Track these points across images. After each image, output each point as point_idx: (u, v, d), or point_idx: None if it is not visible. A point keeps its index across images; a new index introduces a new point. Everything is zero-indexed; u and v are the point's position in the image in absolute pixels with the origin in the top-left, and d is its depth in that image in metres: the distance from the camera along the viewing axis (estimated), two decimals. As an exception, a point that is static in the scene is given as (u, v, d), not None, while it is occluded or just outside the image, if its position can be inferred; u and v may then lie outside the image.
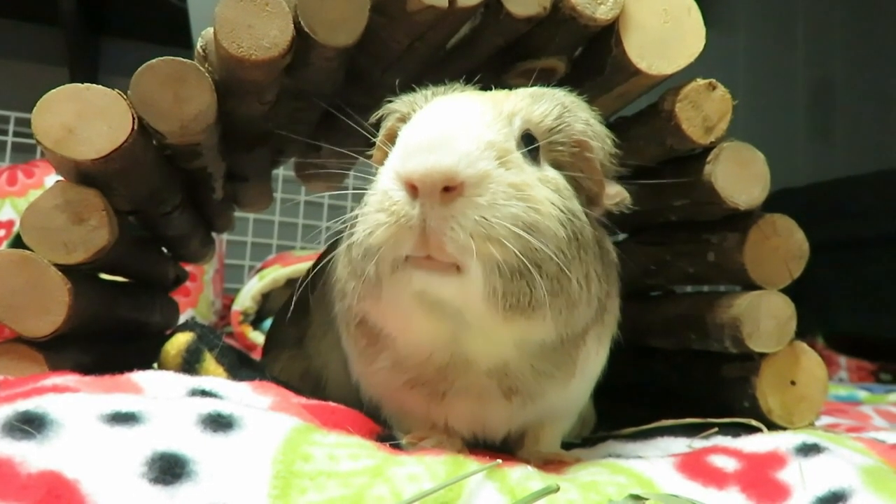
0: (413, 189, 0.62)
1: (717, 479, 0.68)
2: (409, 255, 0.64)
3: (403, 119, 0.75)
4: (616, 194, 0.77)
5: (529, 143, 0.71)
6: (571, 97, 0.77)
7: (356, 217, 0.69)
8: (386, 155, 0.71)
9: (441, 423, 0.76)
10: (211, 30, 0.82)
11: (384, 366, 0.75)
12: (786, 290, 0.96)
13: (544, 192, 0.67)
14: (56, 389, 0.62)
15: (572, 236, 0.68)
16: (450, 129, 0.64)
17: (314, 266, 0.91)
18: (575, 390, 0.80)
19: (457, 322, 0.67)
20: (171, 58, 0.81)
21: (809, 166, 3.77)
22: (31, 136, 0.80)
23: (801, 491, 0.65)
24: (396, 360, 0.74)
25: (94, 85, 0.79)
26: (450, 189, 0.61)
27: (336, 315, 0.85)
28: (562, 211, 0.67)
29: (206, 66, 0.84)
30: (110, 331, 1.04)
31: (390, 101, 0.79)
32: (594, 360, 0.81)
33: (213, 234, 1.54)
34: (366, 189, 0.70)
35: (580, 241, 0.69)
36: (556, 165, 0.73)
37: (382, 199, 0.64)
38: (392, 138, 0.73)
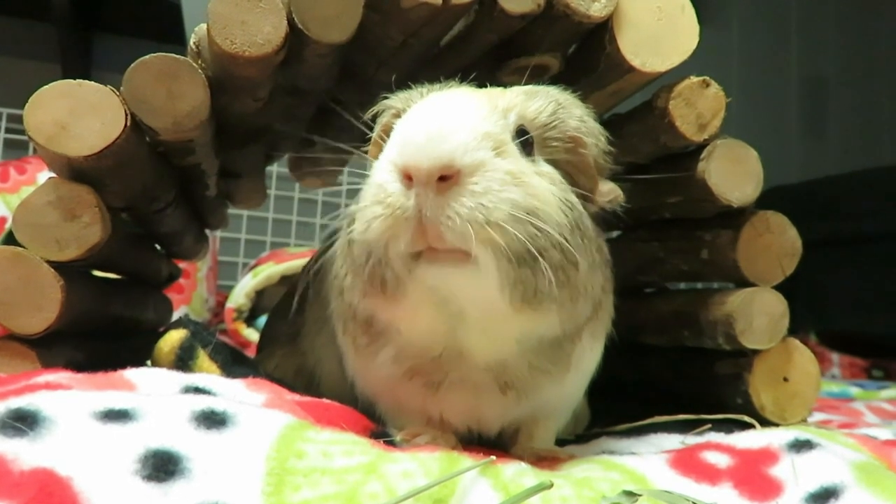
0: (408, 179, 0.62)
1: (709, 475, 0.68)
2: (419, 251, 0.63)
3: (399, 115, 0.75)
4: (609, 192, 0.77)
5: (524, 139, 0.71)
6: (566, 94, 0.77)
7: (353, 213, 0.69)
8: (382, 150, 0.71)
9: (436, 417, 0.76)
10: (204, 26, 0.81)
11: (385, 360, 0.75)
12: (779, 287, 0.97)
13: (541, 181, 0.67)
14: (49, 387, 0.62)
15: (574, 224, 0.68)
16: (445, 121, 0.64)
17: (309, 263, 0.91)
18: (569, 386, 0.81)
19: (457, 318, 0.67)
20: (164, 54, 0.80)
21: (802, 163, 3.79)
22: (23, 132, 0.80)
23: (794, 487, 0.65)
24: (397, 351, 0.74)
25: (87, 81, 0.79)
26: (445, 178, 0.61)
27: (331, 312, 0.85)
28: (561, 200, 0.68)
29: (200, 62, 0.84)
30: (103, 328, 1.03)
31: (386, 98, 0.79)
32: (589, 356, 0.81)
33: (207, 231, 1.54)
34: (360, 185, 0.70)
35: (582, 229, 0.69)
36: (551, 162, 0.73)
37: (378, 191, 0.64)
38: (388, 134, 0.73)
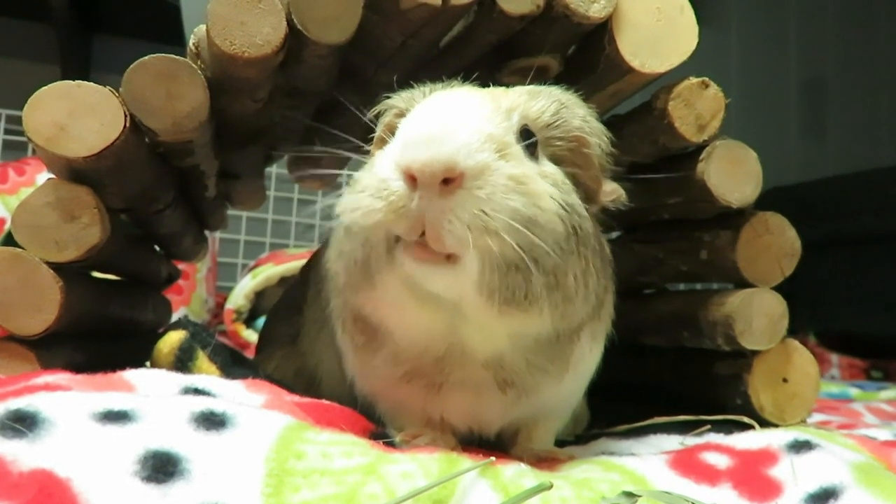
0: (412, 180, 0.61)
1: (709, 475, 0.68)
2: (401, 239, 0.63)
3: (401, 114, 0.75)
4: (612, 191, 0.77)
5: (527, 138, 0.71)
6: (568, 94, 0.77)
7: (344, 202, 0.68)
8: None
9: (437, 417, 0.76)
10: (203, 27, 0.81)
11: (382, 361, 0.75)
12: (778, 288, 0.97)
13: (544, 185, 0.67)
14: (48, 388, 0.62)
15: (571, 231, 0.68)
16: (449, 122, 0.63)
17: (308, 264, 0.91)
18: (569, 387, 0.81)
19: (453, 313, 0.67)
20: (164, 55, 0.80)
21: (801, 164, 3.79)
22: (22, 133, 0.79)
23: (793, 487, 0.65)
24: (394, 353, 0.74)
25: (86, 82, 0.79)
26: (449, 181, 0.61)
27: (330, 312, 0.85)
28: (561, 205, 0.67)
29: (199, 63, 0.84)
30: (102, 329, 1.03)
31: (388, 97, 0.79)
32: (588, 357, 0.81)
33: (206, 232, 1.54)
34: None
35: (579, 235, 0.69)
36: (554, 161, 0.73)
37: (379, 185, 0.63)
38: (391, 133, 0.73)
